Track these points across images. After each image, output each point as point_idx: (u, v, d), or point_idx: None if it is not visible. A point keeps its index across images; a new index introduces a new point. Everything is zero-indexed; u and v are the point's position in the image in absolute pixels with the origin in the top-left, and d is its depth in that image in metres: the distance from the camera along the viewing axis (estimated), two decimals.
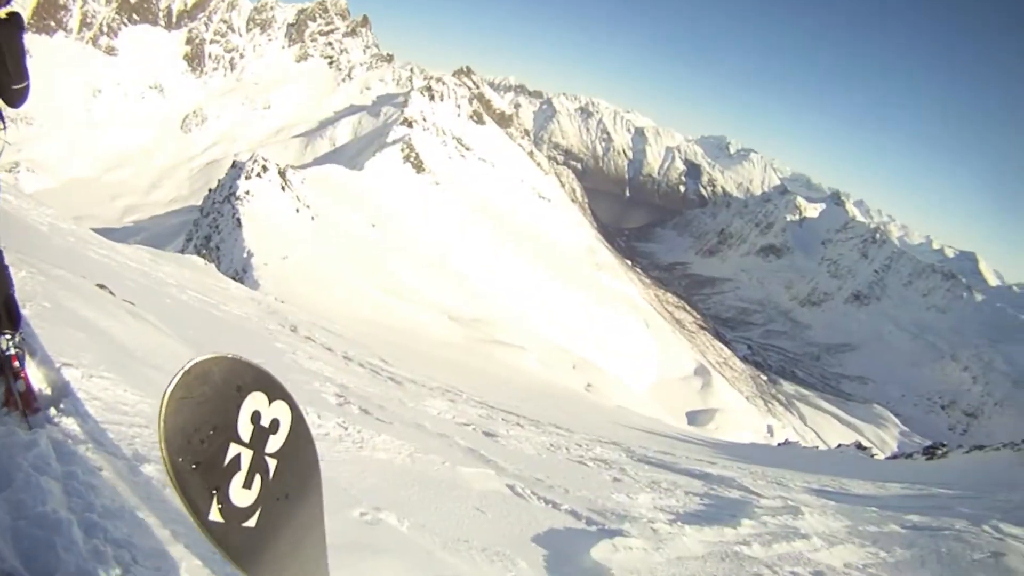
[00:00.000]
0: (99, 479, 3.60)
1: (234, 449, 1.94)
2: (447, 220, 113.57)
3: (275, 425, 2.07)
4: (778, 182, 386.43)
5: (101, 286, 9.96)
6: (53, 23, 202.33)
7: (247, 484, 1.98)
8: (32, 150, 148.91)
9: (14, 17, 4.22)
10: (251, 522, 2.01)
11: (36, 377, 4.48)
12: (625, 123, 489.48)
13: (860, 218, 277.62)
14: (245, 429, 1.97)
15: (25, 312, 4.82)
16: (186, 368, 1.83)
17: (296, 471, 2.18)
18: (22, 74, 4.24)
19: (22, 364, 4.37)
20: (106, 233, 24.72)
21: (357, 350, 20.18)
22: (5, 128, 4.40)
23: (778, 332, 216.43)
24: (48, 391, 4.54)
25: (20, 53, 4.20)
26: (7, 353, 4.35)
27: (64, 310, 6.69)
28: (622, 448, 15.56)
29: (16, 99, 4.28)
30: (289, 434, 2.11)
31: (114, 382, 5.00)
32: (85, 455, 3.73)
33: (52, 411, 4.22)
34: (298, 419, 2.16)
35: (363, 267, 78.53)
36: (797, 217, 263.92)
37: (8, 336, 4.39)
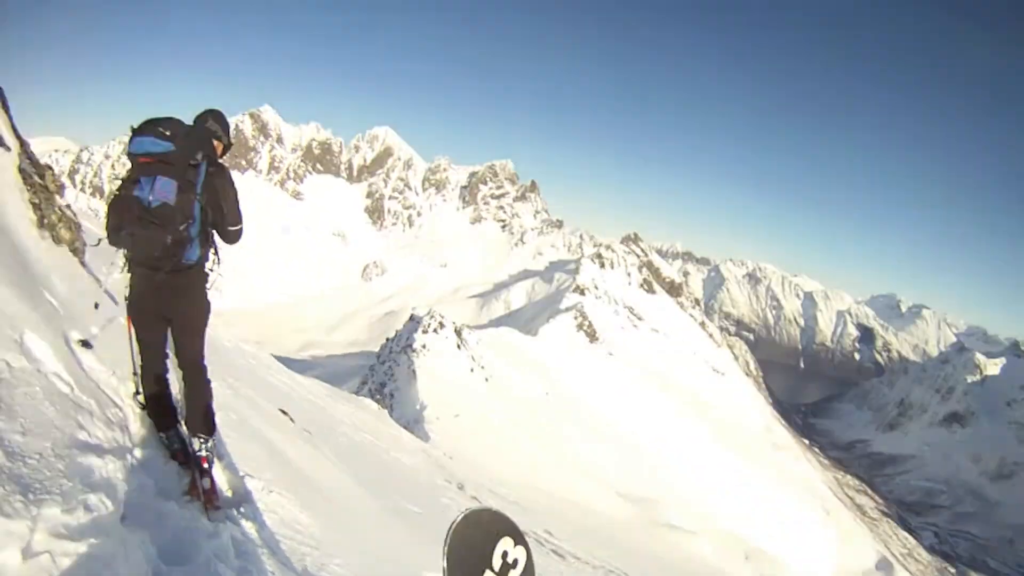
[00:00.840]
0: None
1: (488, 574, 2.83)
2: (620, 390, 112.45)
3: (515, 563, 2.96)
4: (954, 339, 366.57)
5: (283, 411, 10.48)
6: (244, 162, 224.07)
7: None
8: (221, 272, 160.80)
9: (224, 168, 4.98)
10: None
11: (220, 479, 4.95)
12: (793, 288, 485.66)
13: None
14: (497, 561, 2.87)
15: (217, 420, 5.33)
16: (465, 513, 2.79)
17: None
18: (238, 216, 5.06)
19: (210, 465, 4.99)
20: (285, 362, 25.99)
21: (523, 517, 20.05)
22: (220, 263, 5.17)
23: (967, 515, 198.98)
24: (230, 494, 5.05)
25: (235, 198, 5.01)
26: (199, 454, 5.00)
27: (249, 426, 7.13)
28: None
29: (233, 238, 5.08)
30: (523, 571, 2.98)
31: (290, 501, 5.39)
32: (260, 558, 3.98)
33: (233, 512, 4.59)
34: (530, 564, 3.03)
35: (534, 433, 78.49)
36: (978, 377, 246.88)
37: (203, 439, 5.06)
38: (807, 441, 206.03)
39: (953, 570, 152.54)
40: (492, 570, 2.81)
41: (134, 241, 4.50)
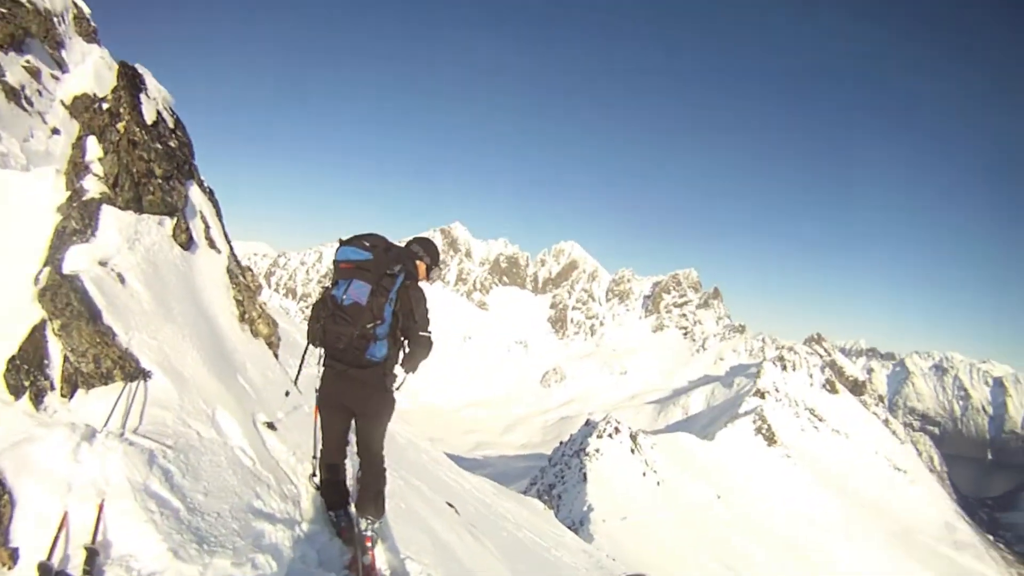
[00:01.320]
0: None
1: None
2: (796, 495, 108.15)
3: None
4: None
5: (449, 504, 10.93)
6: (434, 275, 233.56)
7: None
8: (402, 373, 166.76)
9: (419, 284, 5.62)
10: None
11: (381, 559, 5.35)
12: (982, 375, 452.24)
13: None
14: None
15: (385, 506, 5.71)
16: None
17: None
18: (427, 322, 5.49)
19: (373, 544, 5.38)
20: (456, 460, 26.49)
21: None
22: (411, 369, 5.46)
23: None
24: (387, 573, 5.42)
25: (425, 307, 5.48)
26: (365, 533, 5.41)
27: (415, 515, 7.58)
28: None
29: (422, 343, 5.44)
30: None
31: None
32: None
33: None
34: None
35: (704, 538, 76.35)
36: None
37: (370, 520, 5.46)
38: (991, 537, 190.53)
39: None
40: None
41: (324, 334, 5.04)
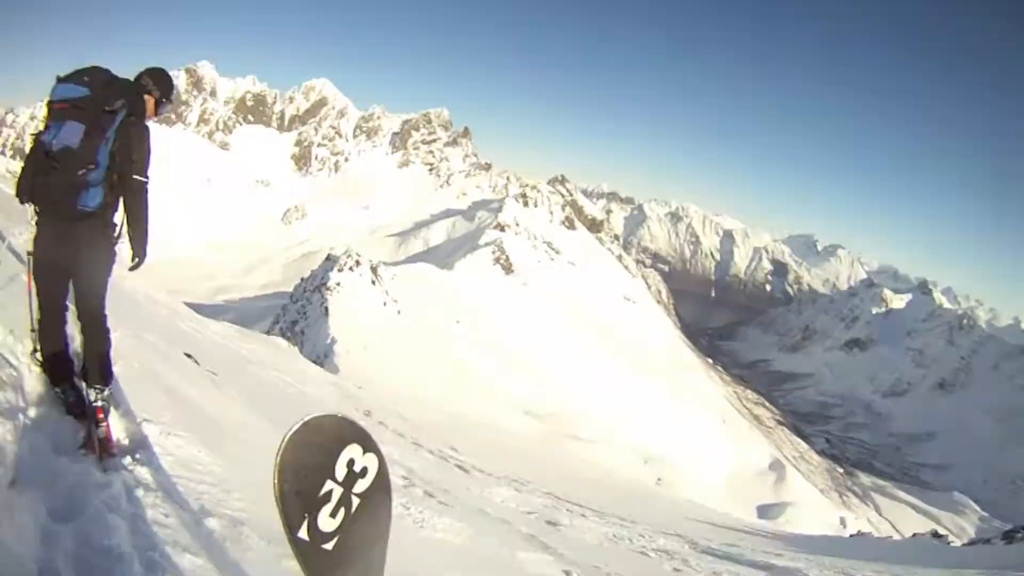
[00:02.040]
0: (164, 524, 3.87)
1: (328, 485, 2.40)
2: (532, 319, 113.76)
3: (364, 471, 2.53)
4: (865, 276, 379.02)
5: (188, 355, 10.48)
6: (174, 116, 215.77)
7: (333, 514, 2.41)
8: None
9: (144, 123, 4.90)
10: (329, 546, 2.41)
11: (117, 427, 4.94)
12: (714, 226, 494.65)
13: (947, 305, 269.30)
14: (341, 471, 2.44)
15: (116, 369, 5.29)
16: (304, 420, 2.32)
17: (373, 512, 2.58)
18: (144, 170, 4.81)
19: (106, 415, 4.87)
20: (197, 308, 25.62)
21: (428, 437, 20.35)
22: (118, 235, 4.95)
23: (858, 424, 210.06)
24: (126, 441, 4.98)
25: (147, 151, 4.81)
26: (95, 404, 4.87)
27: (151, 372, 7.14)
28: (686, 540, 15.40)
29: (136, 190, 4.80)
30: (375, 480, 2.56)
31: (189, 441, 5.30)
32: (154, 501, 4.03)
33: (128, 460, 4.61)
34: (383, 471, 2.61)
35: (444, 360, 79.01)
36: (883, 310, 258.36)
37: (99, 389, 4.94)
38: (711, 361, 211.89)
39: (841, 470, 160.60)
40: (334, 480, 2.44)
41: (33, 189, 4.46)
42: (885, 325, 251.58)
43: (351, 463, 2.50)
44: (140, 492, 4.09)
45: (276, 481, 2.23)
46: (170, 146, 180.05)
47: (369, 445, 2.57)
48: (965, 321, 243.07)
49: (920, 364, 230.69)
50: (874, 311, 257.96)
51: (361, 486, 2.53)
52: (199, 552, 3.78)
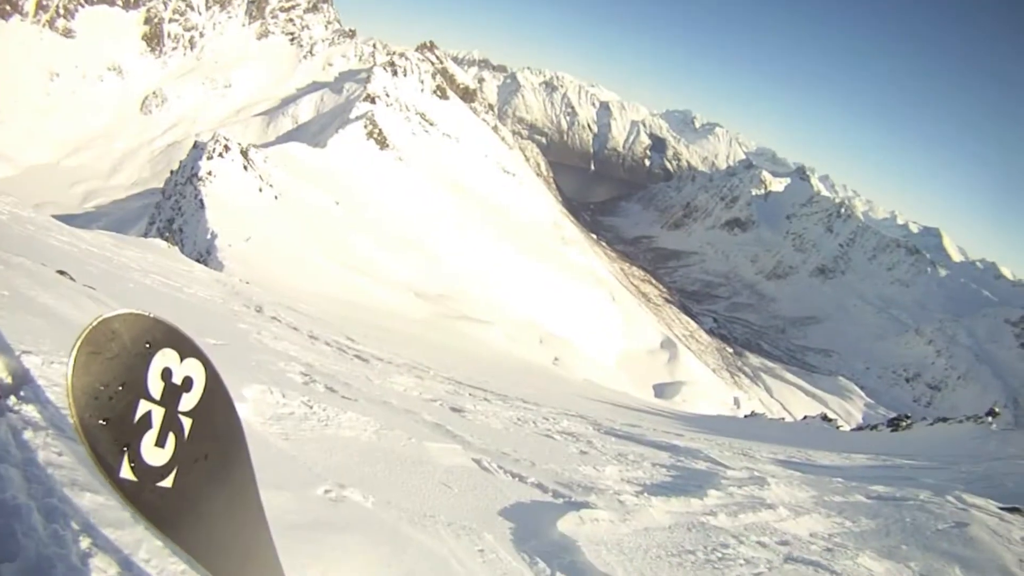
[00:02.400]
0: (59, 464, 3.53)
1: (144, 406, 1.90)
2: (411, 196, 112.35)
3: (187, 383, 2.02)
4: (743, 156, 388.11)
5: (62, 272, 9.82)
6: (8, 7, 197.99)
7: (160, 443, 1.93)
8: None
9: None
10: (167, 482, 1.95)
11: None
12: (590, 97, 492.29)
13: (825, 193, 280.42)
14: (155, 386, 1.93)
15: None
16: (93, 324, 1.82)
17: (215, 431, 2.13)
18: None
19: None
20: (67, 220, 24.28)
21: (323, 329, 20.05)
22: None
23: (743, 305, 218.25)
24: (8, 379, 4.48)
25: None
26: None
27: (23, 298, 6.61)
28: (589, 421, 15.66)
29: None
30: (204, 393, 2.06)
31: None
32: (45, 441, 3.68)
33: (12, 399, 4.17)
34: (213, 378, 2.11)
35: (327, 245, 77.62)
36: (762, 192, 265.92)
37: None
38: (595, 236, 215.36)
39: (730, 350, 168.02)
40: (149, 399, 1.91)
41: None
42: (764, 207, 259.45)
43: (166, 374, 1.96)
44: (28, 433, 3.70)
45: (72, 412, 1.79)
46: (7, 41, 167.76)
47: (186, 348, 2.02)
48: (843, 210, 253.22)
49: (800, 249, 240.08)
50: (753, 193, 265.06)
51: (188, 402, 2.01)
52: (99, 489, 3.43)
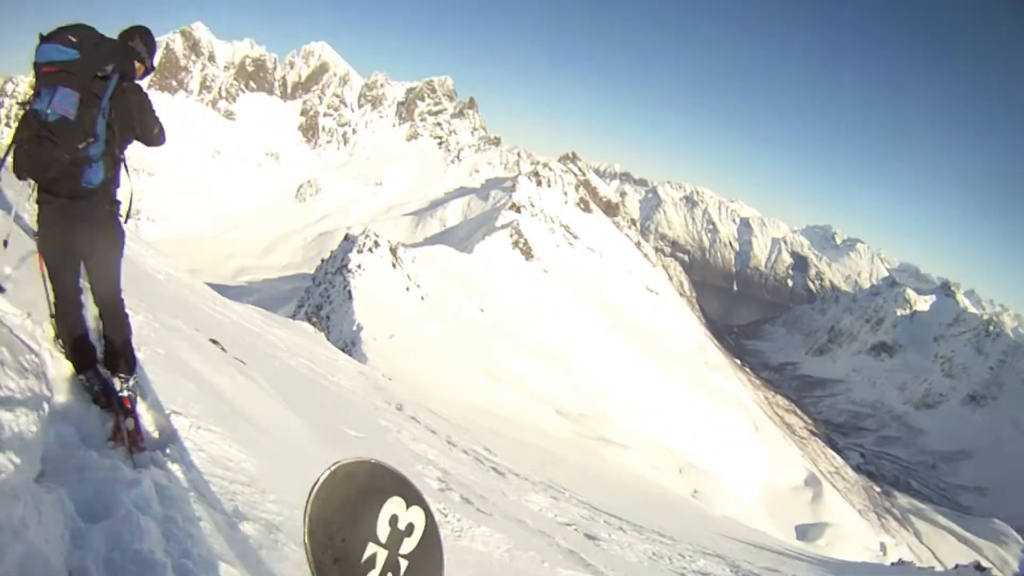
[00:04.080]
0: (198, 528, 3.62)
1: (371, 548, 2.12)
2: (555, 308, 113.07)
3: (410, 529, 2.25)
4: (886, 274, 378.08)
5: (214, 341, 10.13)
6: (175, 83, 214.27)
7: None
8: (152, 201, 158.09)
9: (139, 85, 4.58)
10: None
11: (145, 419, 4.72)
12: (730, 213, 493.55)
13: (972, 309, 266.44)
14: (383, 530, 2.16)
15: (139, 356, 5.01)
16: (332, 469, 2.05)
17: (424, 573, 2.31)
18: (156, 121, 4.62)
19: (133, 406, 4.64)
20: (220, 290, 25.39)
21: (461, 435, 20.05)
22: (129, 177, 4.70)
23: (892, 438, 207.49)
24: (155, 434, 4.78)
25: (152, 110, 4.57)
26: (121, 394, 4.64)
27: (177, 360, 6.83)
28: (727, 562, 15.01)
29: (156, 140, 4.64)
30: (422, 538, 2.28)
31: (220, 436, 5.09)
32: (186, 503, 3.77)
33: (158, 454, 4.33)
34: (431, 525, 2.33)
35: (470, 351, 78.58)
36: (907, 311, 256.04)
37: (123, 378, 4.71)
38: (739, 361, 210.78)
39: (878, 489, 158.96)
40: (377, 542, 2.13)
41: (30, 161, 4.10)
42: (910, 328, 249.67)
43: (394, 520, 2.21)
44: (171, 491, 3.89)
45: (308, 546, 2.00)
46: (174, 115, 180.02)
47: (412, 496, 2.27)
48: (992, 327, 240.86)
49: (949, 374, 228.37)
50: (899, 312, 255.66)
51: (408, 545, 2.25)
52: (233, 561, 3.53)
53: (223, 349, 10.13)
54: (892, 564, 39.53)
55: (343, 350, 39.48)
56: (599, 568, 8.62)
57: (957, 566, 31.78)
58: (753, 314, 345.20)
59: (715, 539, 24.68)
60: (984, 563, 32.42)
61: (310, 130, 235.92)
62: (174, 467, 4.21)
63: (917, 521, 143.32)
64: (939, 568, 37.85)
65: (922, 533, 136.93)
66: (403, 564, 2.19)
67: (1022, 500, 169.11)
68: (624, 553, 11.07)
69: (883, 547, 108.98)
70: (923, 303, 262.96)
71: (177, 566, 3.17)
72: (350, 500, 2.06)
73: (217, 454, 4.81)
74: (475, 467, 14.51)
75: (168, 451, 4.44)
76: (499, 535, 7.57)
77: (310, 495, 1.96)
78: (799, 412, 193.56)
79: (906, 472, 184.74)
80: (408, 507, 2.23)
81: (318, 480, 2.00)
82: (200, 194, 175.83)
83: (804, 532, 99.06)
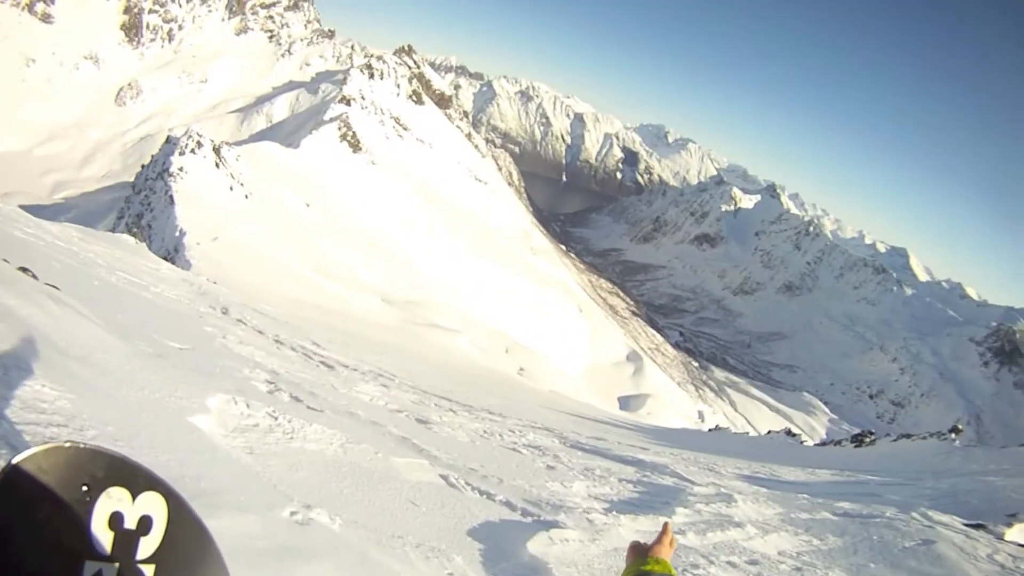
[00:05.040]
0: None
1: (90, 568, 1.31)
2: (383, 200, 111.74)
3: (145, 524, 1.44)
4: (715, 172, 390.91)
5: (23, 269, 9.52)
6: None
7: None
8: None
9: None
10: None
11: None
12: (565, 108, 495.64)
13: (794, 211, 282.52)
14: (103, 538, 1.36)
15: None
16: (6, 471, 1.25)
17: (185, 569, 1.50)
18: None
19: None
20: (35, 211, 23.73)
21: (289, 333, 19.78)
22: None
23: (710, 320, 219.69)
24: None
25: None
26: None
27: None
28: (555, 434, 15.56)
29: None
30: (168, 529, 1.47)
31: (30, 378, 4.63)
32: None
33: None
34: (177, 508, 1.51)
35: (297, 247, 76.98)
36: (732, 208, 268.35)
37: None
38: (564, 247, 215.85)
39: (696, 364, 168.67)
40: (98, 557, 1.32)
41: None
42: (734, 223, 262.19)
43: (116, 520, 1.37)
44: None
45: None
46: None
47: (138, 482, 1.44)
48: (811, 228, 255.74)
49: (768, 265, 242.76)
50: (723, 208, 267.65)
51: (148, 546, 1.42)
52: None
53: (34, 276, 9.51)
54: (709, 430, 42.06)
55: (166, 258, 37.91)
56: (432, 452, 8.79)
57: (769, 432, 34.15)
58: (581, 204, 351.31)
59: (543, 413, 25.57)
60: (794, 430, 34.98)
61: (133, 29, 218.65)
62: None
63: (733, 393, 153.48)
64: (753, 434, 40.58)
65: (737, 403, 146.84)
66: (147, 570, 1.40)
67: (829, 378, 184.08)
68: (455, 434, 11.32)
69: (701, 415, 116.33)
70: (748, 201, 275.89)
71: None
72: (38, 513, 1.27)
73: (27, 398, 4.36)
74: (304, 363, 14.41)
75: None
76: (331, 431, 7.55)
77: None
78: (622, 294, 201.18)
79: (723, 350, 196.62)
80: (135, 497, 1.43)
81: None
82: (12, 109, 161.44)
83: (627, 403, 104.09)
